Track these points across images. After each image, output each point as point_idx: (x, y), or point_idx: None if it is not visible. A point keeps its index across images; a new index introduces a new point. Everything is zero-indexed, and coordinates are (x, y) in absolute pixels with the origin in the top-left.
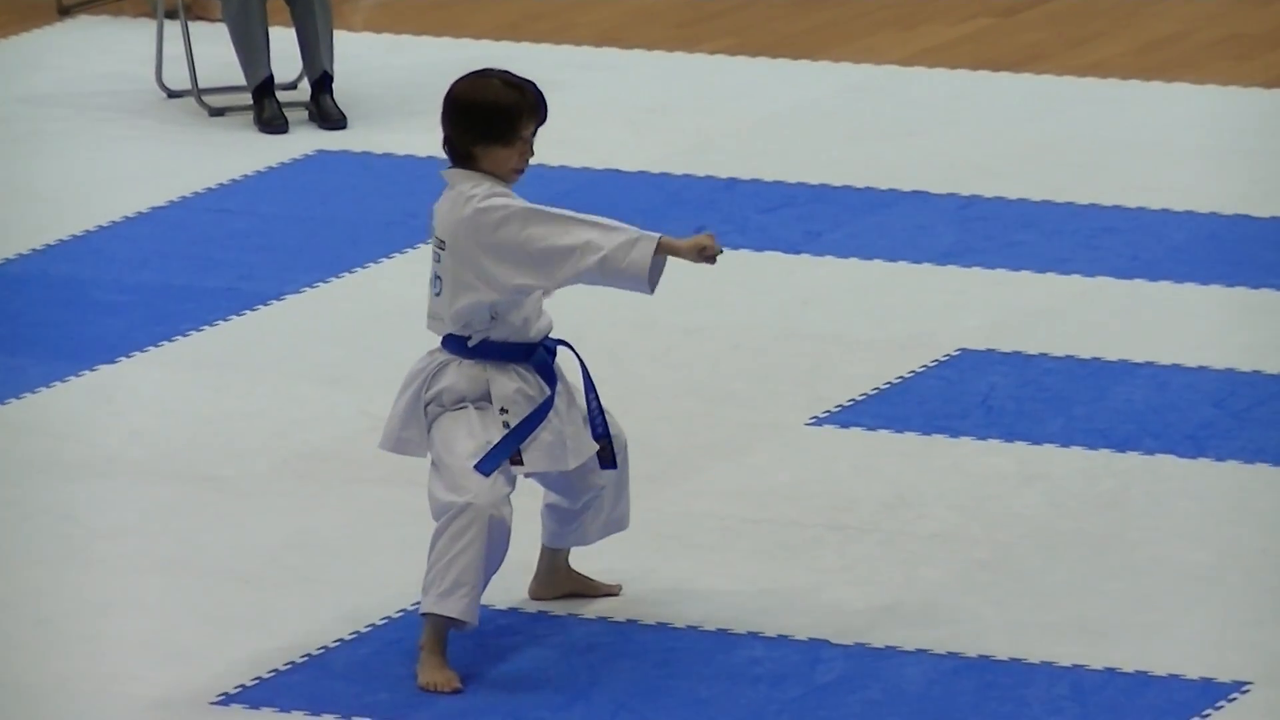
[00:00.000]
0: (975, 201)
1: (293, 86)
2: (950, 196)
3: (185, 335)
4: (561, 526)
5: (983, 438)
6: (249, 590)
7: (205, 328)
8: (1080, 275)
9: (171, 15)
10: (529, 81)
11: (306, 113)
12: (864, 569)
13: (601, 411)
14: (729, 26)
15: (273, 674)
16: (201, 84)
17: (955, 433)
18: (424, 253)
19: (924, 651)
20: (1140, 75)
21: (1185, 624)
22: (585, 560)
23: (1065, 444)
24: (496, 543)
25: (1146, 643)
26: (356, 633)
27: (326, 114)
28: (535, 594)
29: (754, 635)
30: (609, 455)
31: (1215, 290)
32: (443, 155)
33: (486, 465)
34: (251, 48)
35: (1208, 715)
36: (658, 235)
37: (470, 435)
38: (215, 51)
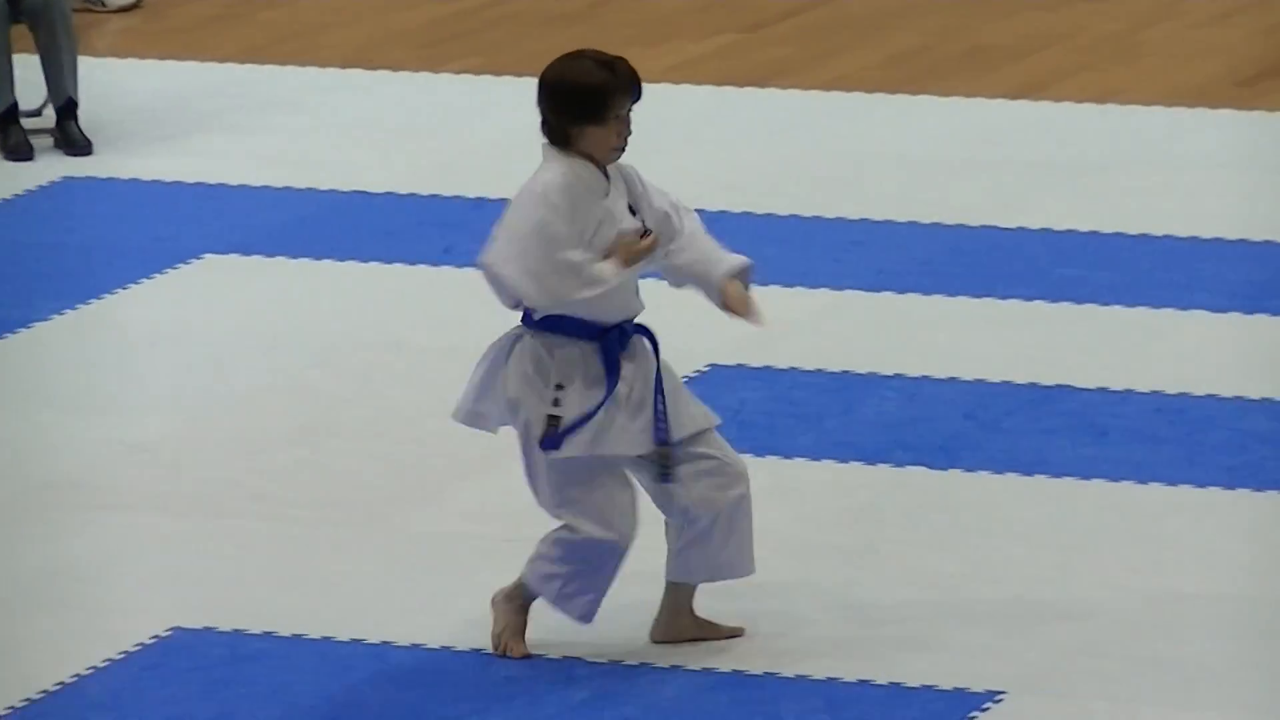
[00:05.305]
0: (722, 217)
1: (37, 113)
2: (698, 212)
3: None
4: (672, 551)
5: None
6: None
7: None
8: (828, 289)
9: None
10: (620, 59)
11: (52, 140)
12: (617, 585)
13: (665, 416)
14: (475, 46)
15: (25, 703)
16: None
17: None
18: (173, 277)
19: (678, 668)
20: (885, 89)
21: (938, 635)
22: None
23: (816, 457)
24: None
25: (899, 654)
26: (109, 660)
27: (72, 140)
28: (656, 636)
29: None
30: (667, 464)
31: (962, 301)
32: (192, 179)
33: (549, 444)
34: None
35: None
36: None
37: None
38: None
